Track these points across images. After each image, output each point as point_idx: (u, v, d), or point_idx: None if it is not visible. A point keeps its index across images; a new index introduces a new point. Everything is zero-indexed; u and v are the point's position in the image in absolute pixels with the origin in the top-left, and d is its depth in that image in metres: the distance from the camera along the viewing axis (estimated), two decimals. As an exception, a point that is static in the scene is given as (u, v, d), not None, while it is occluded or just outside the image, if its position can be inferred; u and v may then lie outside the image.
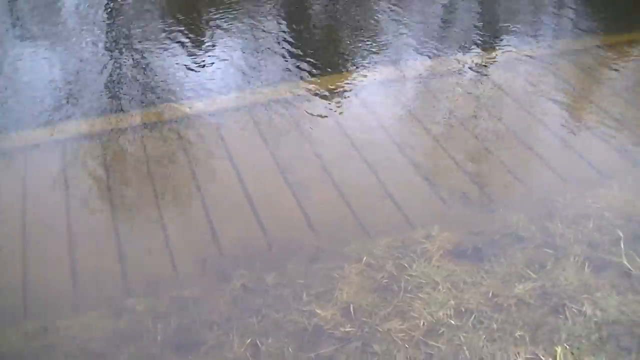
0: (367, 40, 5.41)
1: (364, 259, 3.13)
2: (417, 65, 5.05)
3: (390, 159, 3.90)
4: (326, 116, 4.34)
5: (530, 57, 5.16)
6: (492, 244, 3.21)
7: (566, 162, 3.91)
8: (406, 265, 3.08)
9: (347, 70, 4.96)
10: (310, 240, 3.31)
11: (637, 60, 5.14)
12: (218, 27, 5.61)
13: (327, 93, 4.59)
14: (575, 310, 2.85)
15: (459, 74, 4.91)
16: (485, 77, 4.86)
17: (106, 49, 5.25)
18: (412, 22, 5.77)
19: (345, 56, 5.23)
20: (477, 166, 3.86)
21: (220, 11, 5.86)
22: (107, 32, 5.56)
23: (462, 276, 3.01)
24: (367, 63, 5.04)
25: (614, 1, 6.33)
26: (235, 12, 5.86)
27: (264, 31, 5.55)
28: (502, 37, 5.56)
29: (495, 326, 2.78)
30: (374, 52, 5.20)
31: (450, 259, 3.11)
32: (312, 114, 4.36)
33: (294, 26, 5.74)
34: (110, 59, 5.06)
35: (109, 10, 5.97)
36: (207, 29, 5.61)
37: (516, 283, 2.98)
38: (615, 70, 4.98)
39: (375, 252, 3.17)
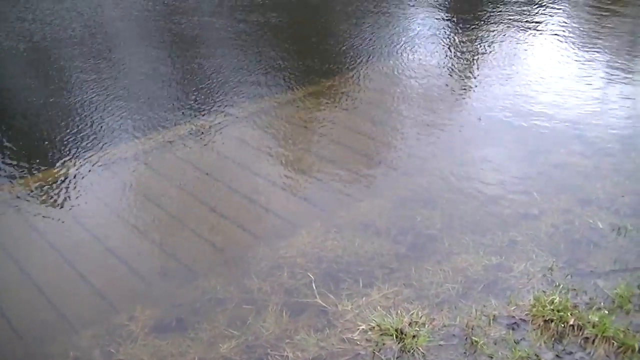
0: (73, 128, 5.38)
1: (71, 354, 3.11)
2: (125, 147, 5.07)
3: (89, 252, 3.88)
4: (25, 218, 4.24)
5: (238, 117, 5.53)
6: (194, 312, 3.34)
7: (257, 220, 4.19)
8: (113, 350, 3.11)
9: (55, 166, 4.84)
10: (16, 346, 3.21)
11: (319, 110, 5.64)
12: None
13: (31, 193, 4.48)
14: (277, 357, 3.06)
15: (161, 148, 5.05)
16: (187, 148, 5.05)
17: None
18: (118, 102, 5.83)
19: (52, 149, 5.13)
20: (172, 241, 3.98)
21: None
22: None
23: (169, 349, 3.10)
24: (75, 153, 4.98)
25: (302, 57, 6.95)
26: None
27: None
28: (211, 102, 5.83)
29: (200, 390, 2.91)
30: (84, 140, 5.17)
31: (155, 335, 3.19)
32: (16, 217, 4.25)
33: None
34: None
35: None
36: None
37: (220, 344, 3.13)
38: (306, 123, 5.45)
39: (82, 344, 3.16)
